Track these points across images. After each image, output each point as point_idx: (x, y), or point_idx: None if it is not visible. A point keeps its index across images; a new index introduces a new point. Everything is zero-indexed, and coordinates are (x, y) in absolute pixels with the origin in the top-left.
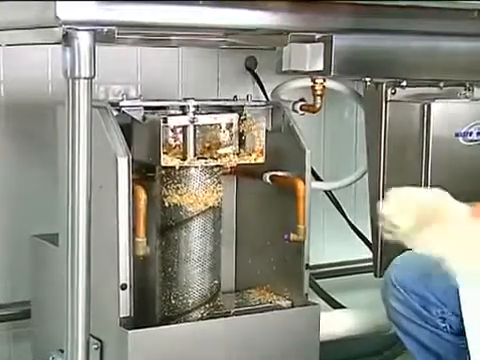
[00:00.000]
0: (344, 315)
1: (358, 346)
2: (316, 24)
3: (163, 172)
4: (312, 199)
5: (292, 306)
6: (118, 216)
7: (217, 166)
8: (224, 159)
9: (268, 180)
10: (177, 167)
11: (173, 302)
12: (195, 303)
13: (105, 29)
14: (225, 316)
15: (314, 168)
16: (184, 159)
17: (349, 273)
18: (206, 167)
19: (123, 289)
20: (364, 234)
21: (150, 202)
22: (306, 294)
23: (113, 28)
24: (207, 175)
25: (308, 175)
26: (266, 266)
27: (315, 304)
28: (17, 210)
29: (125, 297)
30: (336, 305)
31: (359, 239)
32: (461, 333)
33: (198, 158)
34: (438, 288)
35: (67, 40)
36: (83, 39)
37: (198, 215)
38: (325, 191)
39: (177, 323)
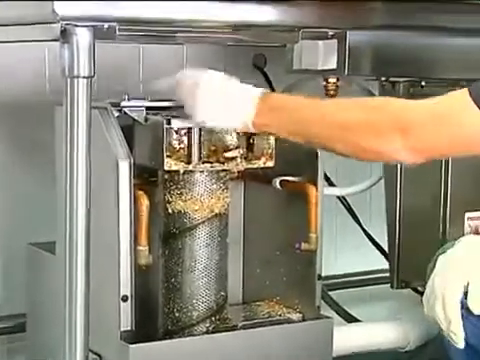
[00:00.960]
0: (359, 329)
1: None
2: (329, 20)
3: (166, 177)
4: (325, 206)
5: (303, 319)
6: (119, 223)
7: (223, 170)
8: (231, 163)
9: (278, 185)
10: (181, 171)
11: (177, 315)
12: (200, 316)
13: (105, 25)
14: (232, 330)
15: (327, 173)
16: (188, 163)
17: (364, 284)
18: (212, 172)
19: (124, 301)
20: (380, 243)
21: (152, 208)
22: (318, 307)
23: (114, 24)
24: (213, 180)
25: (320, 180)
26: (276, 277)
27: (328, 317)
28: (12, 217)
29: (126, 309)
30: (350, 318)
31: (375, 248)
32: None
33: (203, 162)
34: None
35: (65, 37)
36: (82, 36)
37: (203, 222)
38: (338, 197)
39: (181, 337)
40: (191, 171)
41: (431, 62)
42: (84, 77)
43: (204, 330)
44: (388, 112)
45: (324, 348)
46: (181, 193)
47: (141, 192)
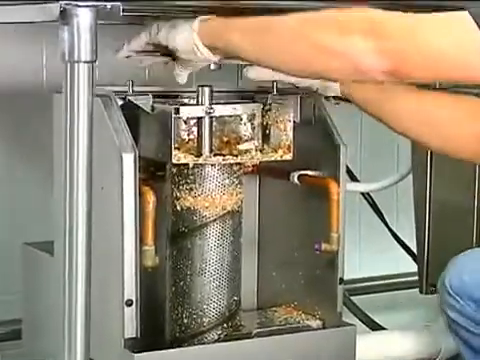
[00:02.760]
0: (384, 338)
1: None
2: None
3: (174, 171)
4: (347, 203)
5: (324, 327)
6: (123, 221)
7: (237, 164)
8: (245, 156)
9: (296, 180)
10: (191, 165)
11: (185, 321)
12: (211, 322)
13: (109, 5)
14: (245, 338)
15: (350, 166)
16: (199, 156)
17: (390, 289)
18: (224, 165)
19: (128, 305)
20: (408, 244)
21: (159, 205)
22: (340, 313)
23: (118, 4)
24: (225, 174)
25: (343, 175)
26: (293, 280)
27: (350, 325)
28: (6, 214)
29: (130, 315)
30: (374, 326)
31: (402, 249)
32: None
33: (215, 155)
34: None
35: (65, 18)
36: (83, 17)
37: (215, 220)
38: (362, 194)
39: (190, 345)
40: (201, 165)
41: None
42: (85, 62)
43: (215, 338)
44: (358, 13)
45: (346, 358)
46: (191, 189)
47: (147, 188)
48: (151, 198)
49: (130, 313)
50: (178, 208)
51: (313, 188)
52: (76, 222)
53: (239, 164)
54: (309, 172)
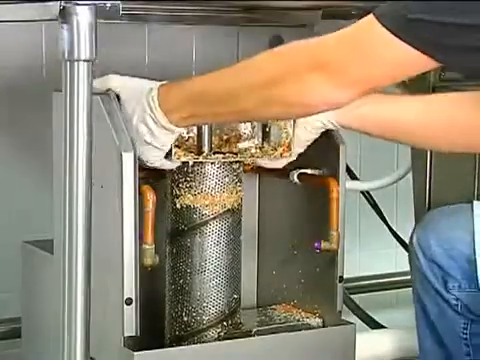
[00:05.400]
0: (383, 336)
1: None
2: None
3: (174, 169)
4: (347, 201)
5: (323, 325)
6: (122, 220)
7: (237, 162)
8: (245, 154)
9: (296, 179)
10: (190, 163)
11: (185, 319)
12: (211, 320)
13: (108, 4)
14: (245, 336)
15: (349, 165)
16: (199, 154)
17: (390, 287)
18: (224, 163)
19: (128, 304)
20: (407, 242)
21: (159, 204)
22: (340, 312)
23: (117, 2)
24: (225, 173)
25: (342, 173)
26: (293, 279)
27: (350, 323)
28: (5, 212)
29: (130, 313)
30: (374, 325)
31: (401, 248)
32: (469, 312)
33: (214, 153)
34: (461, 255)
35: (64, 16)
36: (83, 15)
37: (214, 218)
38: (362, 192)
39: (189, 344)
40: (201, 163)
41: None
42: (85, 60)
43: (215, 336)
44: (298, 54)
45: (346, 356)
46: (190, 187)
47: (147, 186)
48: (151, 196)
49: (130, 312)
50: (178, 206)
51: (313, 187)
52: (76, 220)
53: (239, 162)
54: (309, 171)
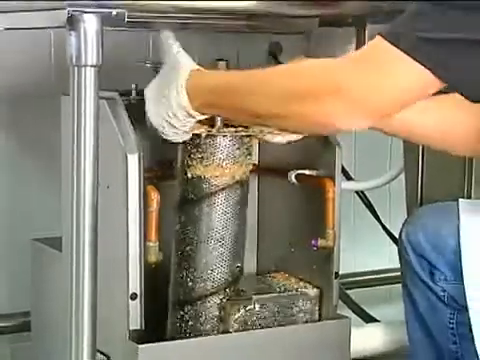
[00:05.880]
0: (378, 330)
1: None
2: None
3: (187, 140)
4: (342, 201)
5: (321, 294)
6: (128, 218)
7: (248, 136)
8: (256, 129)
9: (294, 180)
10: (203, 135)
11: (190, 284)
12: (214, 287)
13: (114, 11)
14: (246, 302)
15: (345, 166)
16: (212, 126)
17: (383, 283)
18: (235, 137)
19: (133, 299)
20: None
21: (169, 177)
22: (335, 306)
23: (123, 10)
24: (236, 145)
25: (338, 174)
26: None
27: (345, 317)
28: (16, 211)
29: (135, 308)
30: (369, 319)
31: (394, 245)
32: (455, 302)
33: (227, 126)
34: (447, 250)
35: (72, 23)
36: (90, 22)
37: (223, 189)
38: (357, 192)
39: (191, 337)
40: (214, 135)
41: None
42: (91, 66)
43: (218, 302)
44: (318, 75)
45: (342, 349)
46: (202, 158)
47: (151, 186)
48: (155, 197)
49: (135, 306)
50: (189, 175)
51: (310, 187)
52: (83, 219)
53: (250, 136)
54: (306, 172)
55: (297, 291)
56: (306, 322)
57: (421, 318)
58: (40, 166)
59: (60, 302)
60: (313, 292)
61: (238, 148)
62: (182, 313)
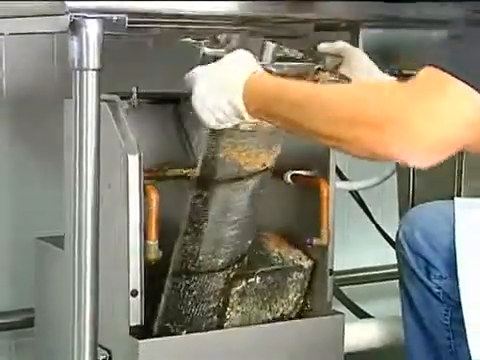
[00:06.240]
0: (371, 325)
1: (386, 359)
2: (342, 10)
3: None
4: (337, 200)
5: (314, 266)
6: (128, 217)
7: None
8: None
9: (289, 180)
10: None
11: (201, 258)
12: (225, 263)
13: (115, 17)
14: (250, 276)
15: (339, 167)
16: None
17: (376, 280)
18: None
19: (134, 296)
20: (393, 238)
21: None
22: (329, 302)
23: (123, 16)
24: (269, 134)
25: (332, 174)
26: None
27: (339, 313)
28: (20, 210)
29: (135, 304)
30: (362, 314)
31: (387, 243)
32: (450, 299)
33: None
34: (442, 247)
35: (74, 28)
36: (91, 27)
37: (253, 175)
38: (351, 192)
39: (191, 332)
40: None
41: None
42: (93, 70)
43: (225, 276)
44: (374, 103)
45: (335, 344)
46: (237, 144)
47: (151, 186)
48: (155, 196)
49: (135, 303)
50: (220, 156)
51: (305, 187)
52: (85, 218)
53: None
54: (301, 172)
55: (293, 263)
56: (296, 294)
57: (417, 314)
58: (44, 166)
59: (63, 299)
60: (307, 264)
61: (270, 135)
62: (188, 283)
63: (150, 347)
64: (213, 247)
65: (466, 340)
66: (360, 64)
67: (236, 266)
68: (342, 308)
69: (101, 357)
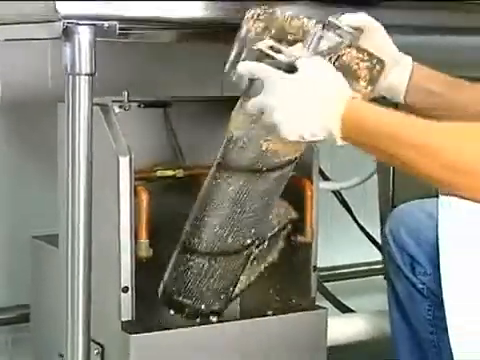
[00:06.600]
0: (353, 319)
1: (368, 352)
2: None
3: None
4: (320, 200)
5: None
6: (119, 216)
7: None
8: None
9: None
10: None
11: (229, 240)
12: (248, 244)
13: (106, 24)
14: (228, 321)
15: (322, 168)
16: None
17: (358, 276)
18: None
19: (125, 292)
20: (374, 236)
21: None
22: (313, 298)
23: (114, 23)
24: None
25: (316, 174)
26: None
27: (323, 308)
28: (16, 210)
29: (127, 300)
30: (345, 309)
31: (368, 241)
32: (433, 295)
33: None
34: (427, 244)
35: (67, 35)
36: (84, 34)
37: (285, 165)
38: (333, 191)
39: (182, 327)
40: None
41: (435, 60)
42: (85, 75)
43: (245, 254)
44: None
45: (319, 338)
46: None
47: (141, 187)
48: (145, 196)
49: (126, 298)
50: (263, 148)
51: (290, 187)
52: (78, 217)
53: None
54: None
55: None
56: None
57: (402, 309)
58: (39, 168)
59: (57, 295)
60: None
61: None
62: (213, 262)
63: (141, 341)
64: (244, 230)
65: (448, 335)
66: (379, 38)
67: (257, 242)
68: (326, 303)
69: (94, 351)
